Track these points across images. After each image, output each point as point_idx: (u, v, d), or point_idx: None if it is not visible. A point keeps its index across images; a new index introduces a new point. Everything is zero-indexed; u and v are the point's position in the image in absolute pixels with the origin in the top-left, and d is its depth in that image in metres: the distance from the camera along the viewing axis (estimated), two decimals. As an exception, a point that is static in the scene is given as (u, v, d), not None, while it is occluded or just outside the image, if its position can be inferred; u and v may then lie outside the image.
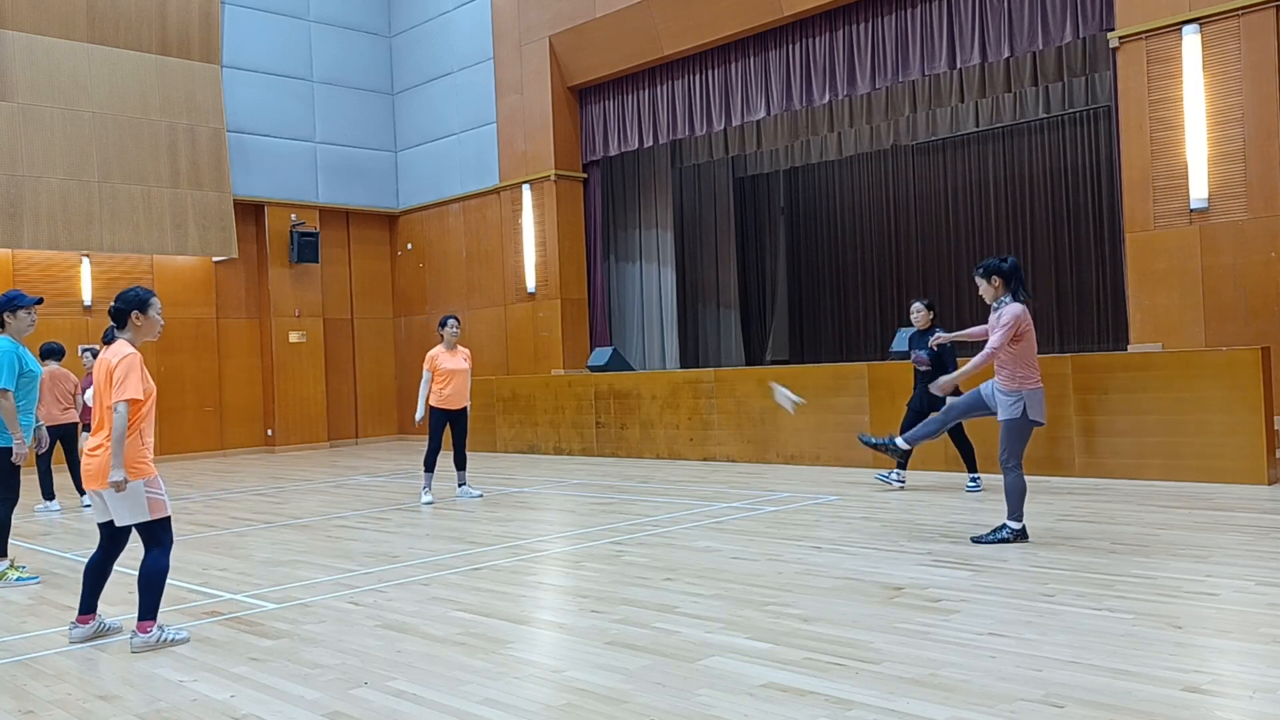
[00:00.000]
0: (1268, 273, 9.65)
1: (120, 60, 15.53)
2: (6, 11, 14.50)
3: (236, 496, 10.70)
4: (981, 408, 6.50)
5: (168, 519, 4.88)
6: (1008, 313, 6.25)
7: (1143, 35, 10.33)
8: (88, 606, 4.96)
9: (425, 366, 9.71)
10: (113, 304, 4.86)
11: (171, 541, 4.91)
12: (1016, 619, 4.58)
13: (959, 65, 12.24)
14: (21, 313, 6.58)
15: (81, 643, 4.90)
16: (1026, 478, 6.38)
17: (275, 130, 17.45)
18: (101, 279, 15.82)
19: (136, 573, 4.89)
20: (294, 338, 17.62)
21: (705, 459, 12.43)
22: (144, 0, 15.79)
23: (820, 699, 3.66)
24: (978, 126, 16.18)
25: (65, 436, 10.49)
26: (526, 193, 16.29)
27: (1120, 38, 10.46)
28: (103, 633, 4.99)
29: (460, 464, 9.89)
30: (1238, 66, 9.78)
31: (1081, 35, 11.23)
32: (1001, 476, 6.46)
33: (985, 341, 6.43)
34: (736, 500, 8.94)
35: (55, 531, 8.86)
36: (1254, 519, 6.87)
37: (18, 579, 6.48)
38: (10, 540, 6.90)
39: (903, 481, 9.10)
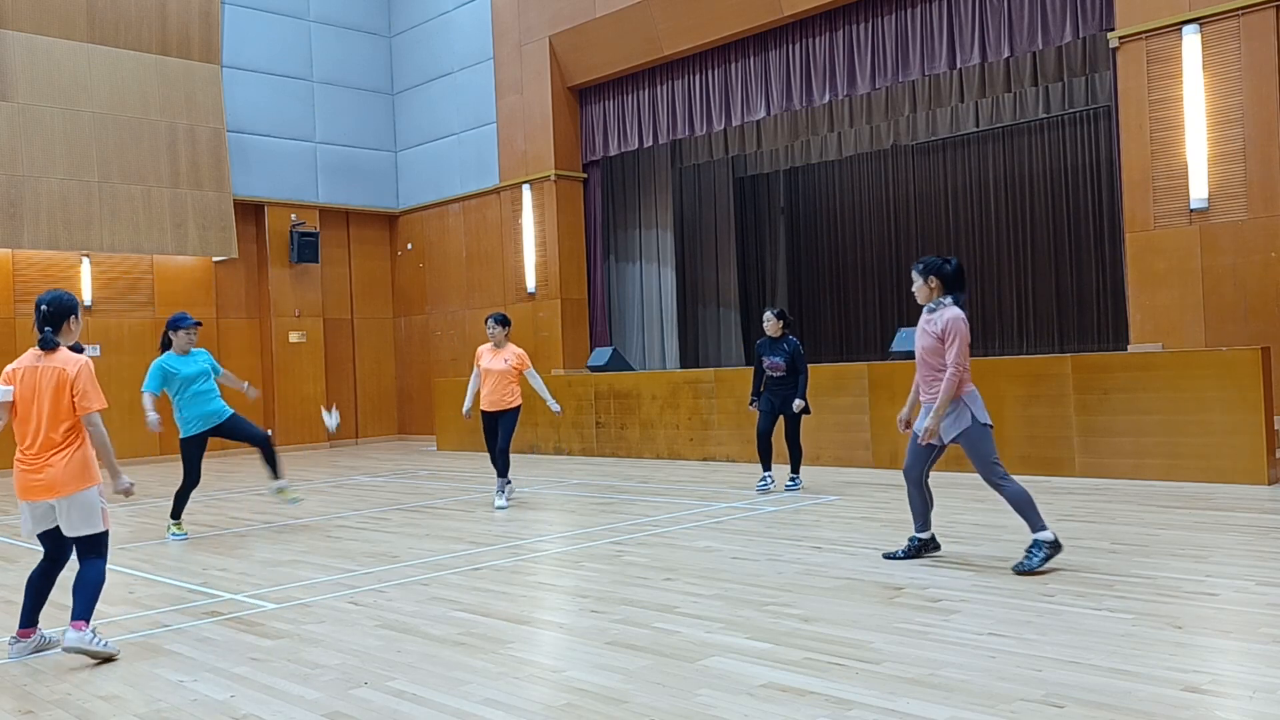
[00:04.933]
0: (1268, 273, 9.65)
1: (120, 60, 15.53)
2: (6, 11, 14.50)
3: (236, 496, 10.70)
4: (929, 447, 5.87)
5: (108, 531, 4.74)
6: (952, 321, 5.66)
7: (1143, 35, 10.33)
8: (29, 620, 4.69)
9: (475, 363, 9.39)
10: (45, 308, 4.66)
11: (109, 552, 4.79)
12: (1016, 619, 4.58)
13: (959, 65, 12.24)
14: (181, 333, 8.09)
15: (21, 658, 4.66)
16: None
17: (275, 130, 17.45)
18: (101, 279, 15.83)
19: (72, 579, 4.72)
20: (294, 338, 17.62)
21: (705, 459, 12.43)
22: (144, 0, 15.79)
23: (820, 699, 3.66)
24: (978, 126, 16.17)
25: None
26: (526, 193, 16.29)
27: (1120, 38, 10.46)
28: (43, 646, 4.76)
29: (497, 467, 9.21)
30: (1238, 66, 9.78)
31: (1081, 35, 11.23)
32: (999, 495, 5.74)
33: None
34: (736, 500, 8.94)
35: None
36: (1254, 519, 6.87)
37: (173, 535, 8.10)
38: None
39: (774, 480, 9.38)
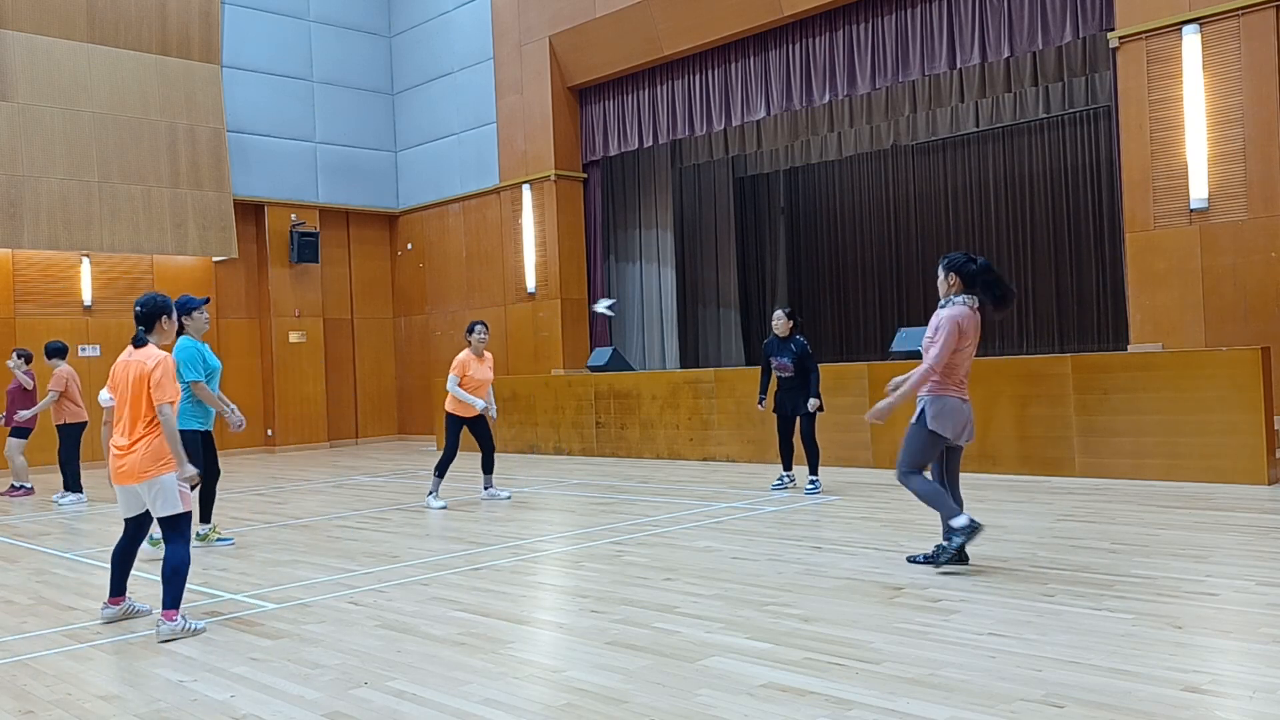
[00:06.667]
0: (1268, 273, 9.65)
1: (120, 60, 15.53)
2: (6, 11, 14.50)
3: (236, 496, 10.69)
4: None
5: (190, 512, 5.19)
6: (945, 319, 5.61)
7: (1143, 35, 10.33)
8: (118, 589, 5.32)
9: (454, 372, 9.32)
10: (139, 309, 5.17)
11: (191, 534, 5.26)
12: (1016, 619, 4.58)
13: (959, 65, 12.24)
14: (196, 313, 7.18)
15: (113, 622, 5.27)
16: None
17: (275, 130, 17.45)
18: (101, 279, 15.82)
19: (160, 568, 5.14)
20: (294, 338, 17.61)
21: (705, 459, 12.42)
22: (144, 0, 15.79)
23: (820, 699, 3.66)
24: (978, 126, 16.17)
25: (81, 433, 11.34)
26: (526, 193, 16.29)
27: (1120, 38, 10.46)
28: (131, 614, 5.35)
29: (488, 468, 9.68)
30: (1238, 66, 9.78)
31: (1081, 35, 11.23)
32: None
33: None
34: (736, 500, 8.94)
35: (54, 531, 8.86)
36: (1254, 519, 6.87)
37: (218, 540, 7.54)
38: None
39: (793, 480, 9.41)
